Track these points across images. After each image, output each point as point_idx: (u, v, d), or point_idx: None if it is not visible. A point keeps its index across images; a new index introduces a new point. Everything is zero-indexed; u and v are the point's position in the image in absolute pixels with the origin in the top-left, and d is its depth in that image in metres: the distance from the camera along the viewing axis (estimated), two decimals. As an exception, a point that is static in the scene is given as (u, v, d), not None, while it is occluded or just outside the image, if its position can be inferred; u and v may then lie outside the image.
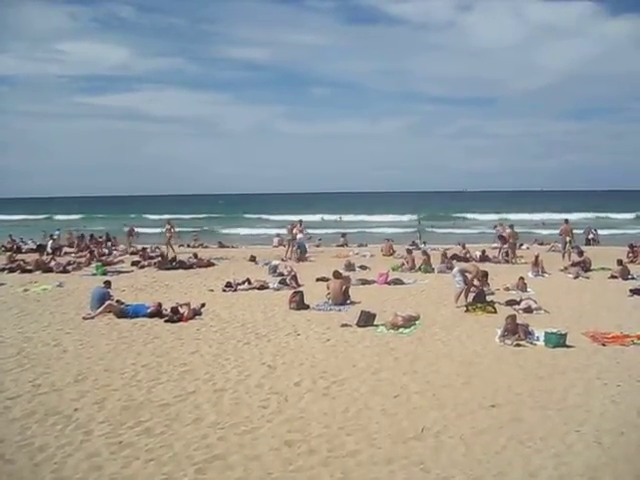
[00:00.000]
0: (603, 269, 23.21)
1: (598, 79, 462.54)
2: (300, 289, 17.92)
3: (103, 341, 12.73)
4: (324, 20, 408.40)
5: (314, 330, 13.60)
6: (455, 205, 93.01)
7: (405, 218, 63.44)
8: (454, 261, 23.42)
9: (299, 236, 30.78)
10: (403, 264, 24.80)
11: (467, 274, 16.76)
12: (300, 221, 32.77)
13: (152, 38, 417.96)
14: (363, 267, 24.83)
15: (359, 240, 37.89)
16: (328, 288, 17.18)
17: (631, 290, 18.23)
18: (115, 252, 30.95)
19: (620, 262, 22.37)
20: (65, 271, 24.23)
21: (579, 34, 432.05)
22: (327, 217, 66.34)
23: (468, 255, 27.33)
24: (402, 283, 20.69)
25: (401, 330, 13.41)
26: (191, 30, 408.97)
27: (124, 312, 15.10)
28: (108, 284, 16.84)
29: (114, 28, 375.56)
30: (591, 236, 36.68)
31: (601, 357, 11.24)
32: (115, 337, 13.07)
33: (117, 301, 15.84)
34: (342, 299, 16.72)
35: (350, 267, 24.05)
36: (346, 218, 65.01)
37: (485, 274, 18.20)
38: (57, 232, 36.95)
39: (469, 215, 68.95)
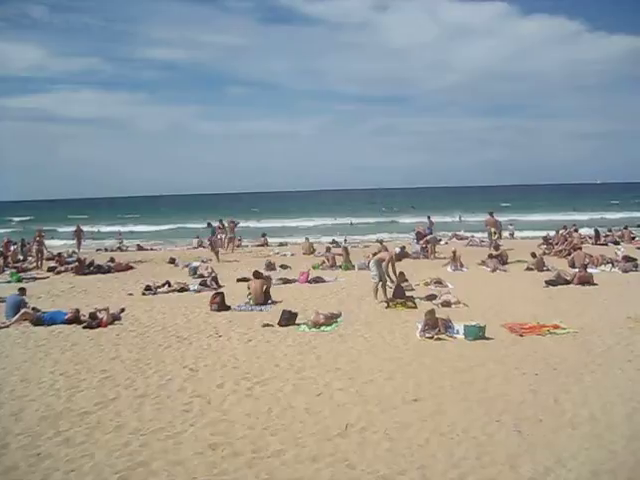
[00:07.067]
0: (520, 262, 23.89)
1: (510, 77, 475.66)
2: (221, 290, 17.84)
3: (19, 350, 12.38)
4: (240, 20, 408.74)
5: (236, 331, 13.56)
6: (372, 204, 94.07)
7: (325, 221, 61.99)
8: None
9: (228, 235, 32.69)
10: (324, 262, 24.98)
11: (383, 263, 16.93)
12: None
13: (66, 38, 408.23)
14: (284, 266, 24.83)
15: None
16: (249, 288, 17.14)
17: (546, 281, 18.86)
18: (30, 258, 30.04)
19: (534, 255, 23.07)
20: (-24, 279, 23.45)
21: (492, 33, 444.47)
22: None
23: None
24: (323, 281, 20.83)
25: (323, 328, 13.51)
26: (106, 30, 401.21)
27: (40, 319, 14.70)
28: (23, 291, 16.36)
29: (26, 28, 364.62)
30: (509, 232, 37.70)
31: (519, 347, 11.59)
32: (31, 345, 12.72)
33: (33, 308, 15.40)
34: (263, 299, 16.71)
35: (271, 267, 24.09)
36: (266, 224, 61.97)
37: (401, 273, 18.47)
38: None
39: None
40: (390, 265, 17.01)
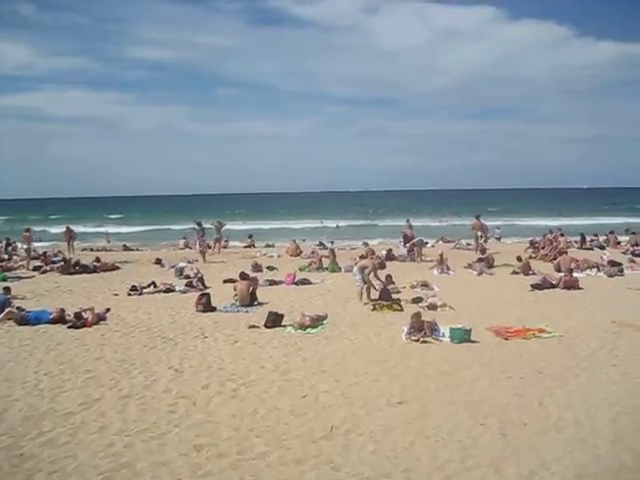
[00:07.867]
0: (506, 265, 23.91)
1: (499, 80, 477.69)
2: (207, 291, 17.79)
3: (3, 350, 12.30)
4: (230, 21, 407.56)
5: (222, 332, 13.52)
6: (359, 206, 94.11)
7: (312, 224, 61.34)
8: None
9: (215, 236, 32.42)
10: (310, 264, 24.98)
11: (365, 270, 16.98)
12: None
13: (54, 37, 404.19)
14: (271, 268, 24.83)
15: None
16: (235, 289, 17.11)
17: (532, 285, 18.92)
18: (15, 257, 29.84)
19: (519, 259, 23.13)
20: (-40, 278, 23.25)
21: (481, 37, 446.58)
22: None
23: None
24: (310, 283, 20.82)
25: (309, 330, 13.50)
26: (95, 30, 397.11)
27: (25, 319, 14.61)
28: (8, 290, 16.31)
29: (14, 26, 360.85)
30: (496, 236, 37.80)
31: (504, 351, 11.64)
32: (16, 345, 12.63)
33: (18, 308, 15.32)
34: (249, 300, 16.68)
35: (257, 268, 24.05)
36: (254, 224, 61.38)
37: (388, 276, 18.49)
38: None
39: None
40: (373, 273, 17.08)
